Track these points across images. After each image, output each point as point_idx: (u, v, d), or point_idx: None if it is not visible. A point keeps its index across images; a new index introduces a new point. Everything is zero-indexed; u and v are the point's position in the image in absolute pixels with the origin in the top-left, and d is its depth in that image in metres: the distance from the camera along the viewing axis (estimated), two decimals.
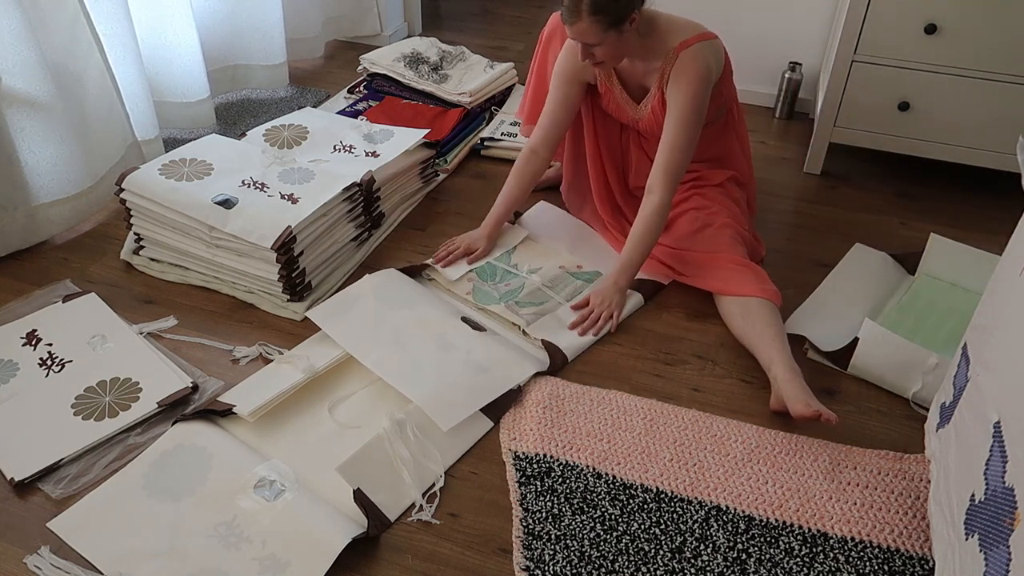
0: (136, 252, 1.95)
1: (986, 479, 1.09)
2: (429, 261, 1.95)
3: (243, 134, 2.20)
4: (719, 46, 1.82)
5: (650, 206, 1.81)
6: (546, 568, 1.29)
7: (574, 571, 1.28)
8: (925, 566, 1.30)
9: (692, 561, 1.31)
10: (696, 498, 1.41)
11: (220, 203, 1.79)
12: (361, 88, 2.77)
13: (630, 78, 1.90)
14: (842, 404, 1.62)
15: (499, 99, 2.74)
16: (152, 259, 1.93)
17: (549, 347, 1.73)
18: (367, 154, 2.11)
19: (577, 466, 1.46)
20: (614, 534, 1.34)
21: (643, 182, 2.09)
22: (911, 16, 2.09)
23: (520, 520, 1.36)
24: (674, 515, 1.38)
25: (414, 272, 1.93)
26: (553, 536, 1.34)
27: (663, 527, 1.36)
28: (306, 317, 1.78)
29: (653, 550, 1.32)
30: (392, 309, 1.77)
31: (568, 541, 1.33)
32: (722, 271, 1.81)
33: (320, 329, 1.74)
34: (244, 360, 1.68)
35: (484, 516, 1.39)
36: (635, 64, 1.86)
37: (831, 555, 1.32)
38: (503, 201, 2.03)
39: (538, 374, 1.65)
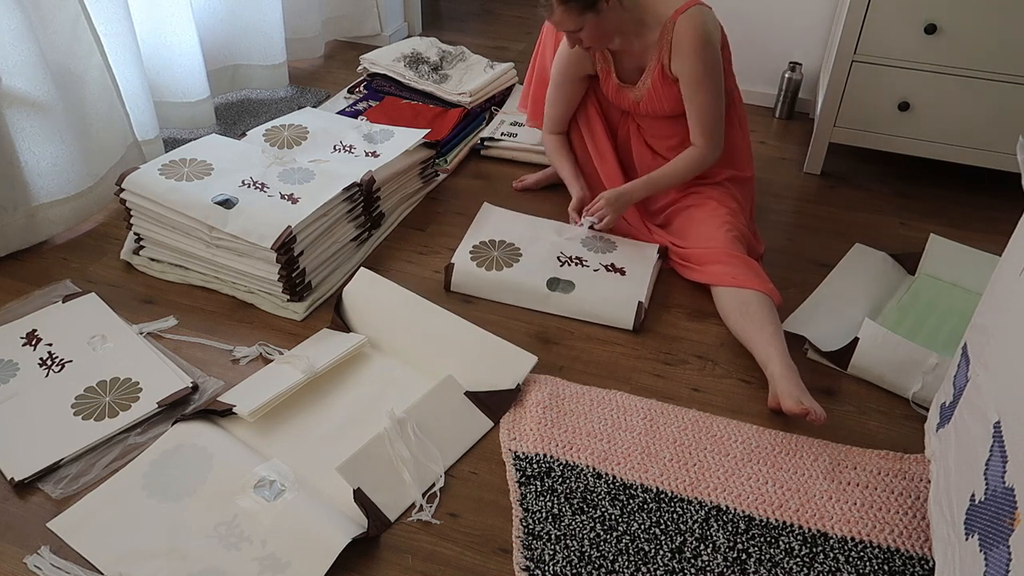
0: (136, 252, 1.94)
1: (986, 479, 1.09)
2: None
3: (243, 134, 2.20)
4: (714, 14, 1.82)
5: (692, 151, 1.90)
6: (546, 568, 1.29)
7: (574, 571, 1.28)
8: (925, 566, 1.30)
9: (692, 561, 1.31)
10: (696, 498, 1.41)
11: (220, 203, 1.79)
12: (361, 88, 2.77)
13: (628, 59, 1.91)
14: (842, 404, 1.62)
15: (499, 99, 2.74)
16: (152, 259, 1.93)
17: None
18: (367, 154, 2.11)
19: (577, 466, 1.46)
20: (614, 534, 1.34)
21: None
22: (911, 16, 2.09)
23: (520, 520, 1.36)
24: (674, 515, 1.38)
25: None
26: (553, 536, 1.34)
27: (663, 527, 1.36)
28: (307, 317, 1.79)
29: (653, 550, 1.32)
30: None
31: (568, 541, 1.33)
32: (720, 266, 1.80)
33: (317, 330, 1.75)
34: (244, 360, 1.68)
35: (484, 516, 1.39)
36: (631, 42, 1.85)
37: (831, 555, 1.32)
38: (571, 166, 2.09)
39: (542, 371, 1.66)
